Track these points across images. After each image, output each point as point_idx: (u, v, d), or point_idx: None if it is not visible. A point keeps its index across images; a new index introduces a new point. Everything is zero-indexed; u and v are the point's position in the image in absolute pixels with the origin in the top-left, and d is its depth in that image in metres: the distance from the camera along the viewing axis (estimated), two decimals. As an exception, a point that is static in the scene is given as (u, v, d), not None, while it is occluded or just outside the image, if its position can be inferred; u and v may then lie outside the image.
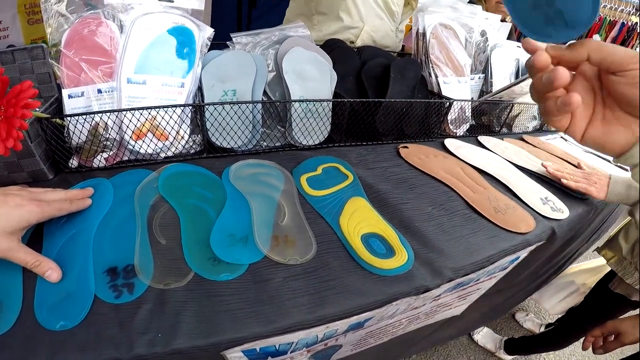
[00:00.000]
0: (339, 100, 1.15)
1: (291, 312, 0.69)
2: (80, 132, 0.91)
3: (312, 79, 1.15)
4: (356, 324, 0.81)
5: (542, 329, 2.58)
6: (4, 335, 0.59)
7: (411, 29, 1.53)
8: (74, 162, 0.94)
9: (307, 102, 1.11)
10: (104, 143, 0.95)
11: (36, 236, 0.75)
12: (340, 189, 1.01)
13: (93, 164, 0.95)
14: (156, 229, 0.81)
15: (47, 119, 0.86)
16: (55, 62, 0.93)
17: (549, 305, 2.23)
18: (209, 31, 1.07)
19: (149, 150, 0.97)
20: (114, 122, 0.94)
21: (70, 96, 0.93)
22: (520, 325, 2.67)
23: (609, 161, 1.74)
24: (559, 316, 2.28)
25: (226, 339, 0.64)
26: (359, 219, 0.92)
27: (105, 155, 0.95)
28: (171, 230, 0.81)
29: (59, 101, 0.94)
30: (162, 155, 1.02)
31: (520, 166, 1.35)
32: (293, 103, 1.10)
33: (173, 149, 1.02)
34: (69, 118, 0.90)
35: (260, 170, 1.03)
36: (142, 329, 0.61)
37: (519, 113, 1.68)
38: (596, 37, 4.36)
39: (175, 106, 0.96)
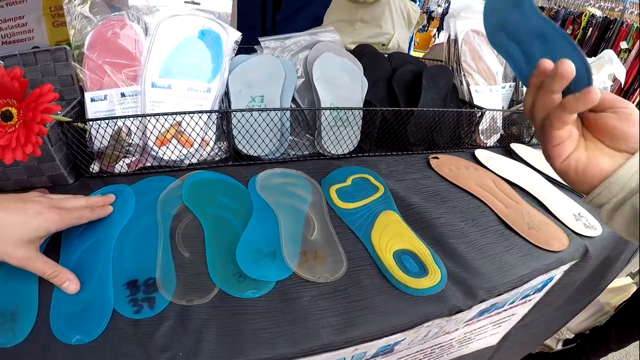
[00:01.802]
0: (371, 108, 1.11)
1: (319, 333, 0.65)
2: (103, 136, 0.89)
3: (342, 86, 1.12)
4: (386, 347, 0.78)
5: (560, 345, 2.52)
6: (18, 347, 0.57)
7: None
8: (95, 167, 0.93)
9: (338, 110, 1.07)
10: (127, 148, 0.93)
11: (54, 244, 0.73)
12: (371, 201, 0.97)
13: (115, 169, 0.93)
14: (179, 241, 0.78)
15: (68, 123, 0.85)
16: (78, 65, 0.92)
17: (572, 324, 2.19)
18: (237, 35, 1.05)
19: (173, 157, 0.95)
20: (137, 127, 0.92)
21: (93, 99, 0.92)
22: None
23: None
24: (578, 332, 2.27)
25: (251, 359, 0.60)
26: (391, 235, 0.88)
27: (127, 160, 0.94)
28: (195, 242, 0.78)
29: (82, 104, 0.93)
30: (187, 162, 0.99)
31: (552, 179, 1.30)
32: (323, 111, 1.06)
33: (198, 156, 1.00)
34: (91, 122, 0.88)
35: (288, 180, 1.00)
36: (162, 346, 0.59)
37: (549, 123, 1.63)
38: (623, 44, 4.30)
39: (201, 112, 0.93)
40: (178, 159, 0.97)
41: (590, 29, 4.81)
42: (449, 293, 0.78)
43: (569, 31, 4.21)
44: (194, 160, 1.01)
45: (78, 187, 0.89)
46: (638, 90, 4.45)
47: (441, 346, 0.99)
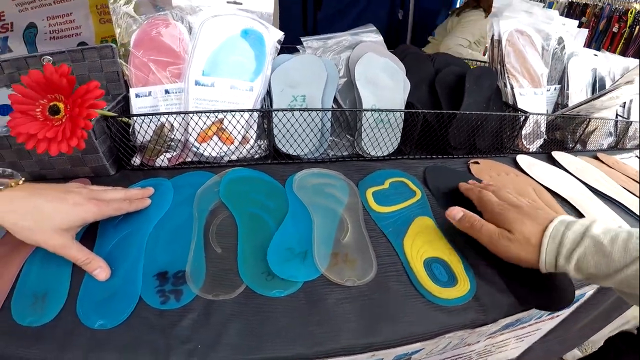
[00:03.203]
0: (413, 110, 1.10)
1: (339, 336, 0.66)
2: (146, 131, 0.92)
3: (385, 87, 1.11)
4: (403, 355, 0.77)
5: None
6: (44, 327, 0.61)
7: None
8: (136, 160, 0.95)
9: (379, 112, 1.06)
10: (169, 143, 0.95)
11: (91, 232, 0.77)
12: (406, 206, 0.96)
13: (155, 163, 0.95)
14: (212, 236, 0.80)
15: (112, 117, 0.87)
16: (124, 62, 0.95)
17: (596, 337, 2.15)
18: (279, 34, 1.06)
19: (214, 154, 0.97)
20: (180, 124, 0.94)
21: (137, 95, 0.94)
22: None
23: None
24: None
25: (266, 357, 0.62)
26: (424, 241, 0.87)
27: (168, 155, 0.95)
28: (228, 239, 0.80)
29: (127, 99, 0.96)
30: (226, 158, 1.01)
31: (594, 189, 1.27)
32: (364, 112, 1.06)
33: (237, 153, 1.01)
34: (134, 117, 0.91)
35: (325, 181, 1.00)
36: (183, 338, 0.61)
37: (595, 129, 1.59)
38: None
39: (243, 111, 0.94)
40: (218, 155, 0.98)
41: (638, 27, 4.65)
42: (476, 305, 0.77)
43: (615, 30, 4.08)
44: (234, 157, 1.02)
45: (119, 179, 0.92)
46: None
47: (460, 357, 0.98)
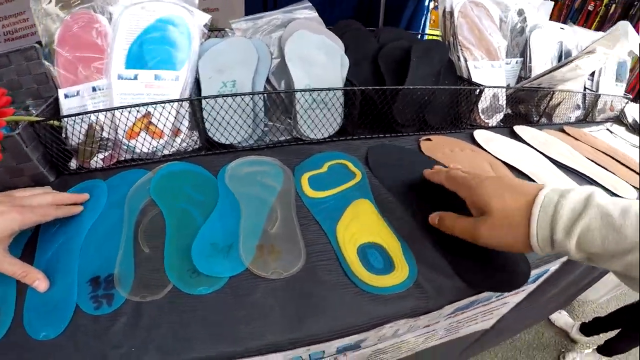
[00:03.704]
0: (348, 88, 1.03)
1: (267, 332, 0.62)
2: (79, 132, 0.87)
3: (320, 65, 1.04)
4: (348, 345, 0.73)
5: (576, 329, 2.61)
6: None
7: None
8: (72, 164, 0.91)
9: (311, 92, 0.99)
10: (100, 143, 0.90)
11: (32, 243, 0.73)
12: (343, 189, 0.90)
13: (90, 165, 0.90)
14: (141, 236, 0.76)
15: (39, 122, 0.82)
16: (50, 62, 0.91)
17: (595, 296, 2.15)
18: (205, 18, 1.00)
19: (145, 150, 0.91)
20: (111, 121, 0.89)
21: (66, 96, 0.90)
22: (552, 324, 2.70)
23: None
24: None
25: (197, 357, 0.59)
26: (360, 226, 0.81)
27: (101, 155, 0.91)
28: (157, 238, 0.75)
29: (57, 101, 0.91)
30: (159, 153, 0.95)
31: (559, 162, 1.20)
32: (297, 93, 0.98)
33: (169, 147, 0.96)
34: (65, 119, 0.86)
35: (258, 169, 0.94)
36: (116, 342, 0.59)
37: (560, 101, 1.53)
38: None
39: (165, 102, 0.88)
40: (150, 151, 0.93)
41: (614, 5, 4.61)
42: (417, 292, 0.72)
43: (590, 8, 4.03)
44: (167, 152, 0.96)
45: (59, 185, 0.87)
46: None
47: (424, 335, 0.93)
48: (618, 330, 2.28)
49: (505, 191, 0.64)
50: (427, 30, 3.02)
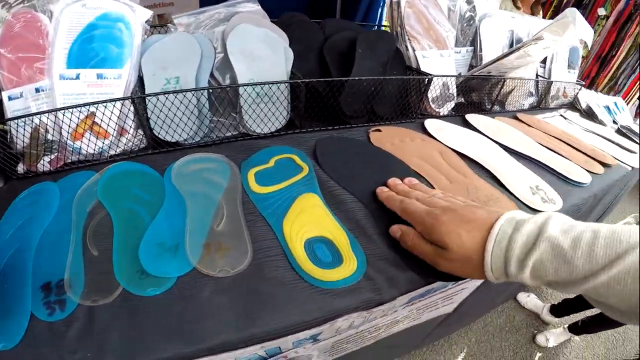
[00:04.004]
0: (290, 81, 1.02)
1: (218, 331, 0.62)
2: (24, 135, 0.85)
3: (263, 59, 1.02)
4: (304, 340, 0.73)
5: (547, 310, 2.67)
6: None
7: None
8: (20, 168, 0.88)
9: (255, 86, 0.98)
10: (46, 146, 0.88)
11: None
12: (290, 184, 0.89)
13: (38, 168, 0.88)
14: (90, 239, 0.73)
15: None
16: None
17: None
18: (147, 14, 0.98)
19: (91, 150, 0.89)
20: (55, 123, 0.87)
21: (10, 98, 0.88)
22: (523, 307, 2.76)
23: (620, 146, 1.60)
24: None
25: (153, 359, 0.58)
26: (306, 220, 0.80)
27: (47, 159, 0.88)
28: (105, 240, 0.74)
29: (2, 103, 0.89)
30: (106, 154, 0.93)
31: (511, 149, 1.21)
32: (240, 88, 0.97)
33: (115, 147, 0.94)
34: (9, 122, 0.84)
35: (205, 166, 0.92)
36: (71, 349, 0.57)
37: (512, 89, 1.54)
38: (601, 10, 4.21)
39: (107, 101, 0.86)
40: (96, 151, 0.90)
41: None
42: (368, 284, 0.72)
43: (545, -3, 4.11)
44: (113, 152, 0.94)
45: (8, 190, 0.85)
46: (616, 56, 4.38)
47: (385, 325, 0.92)
48: (594, 314, 2.33)
49: (461, 228, 0.65)
50: (384, 23, 3.01)
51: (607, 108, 2.05)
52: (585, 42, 1.94)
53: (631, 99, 4.36)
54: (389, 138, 1.11)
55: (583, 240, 0.53)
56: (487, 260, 0.60)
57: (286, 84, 1.02)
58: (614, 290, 0.50)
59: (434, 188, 0.96)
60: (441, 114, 1.36)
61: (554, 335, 2.52)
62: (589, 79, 4.58)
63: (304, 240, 0.76)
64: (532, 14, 2.49)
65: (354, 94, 1.10)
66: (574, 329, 2.48)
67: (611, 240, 0.52)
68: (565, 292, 0.57)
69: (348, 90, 1.08)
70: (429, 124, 1.24)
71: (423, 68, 1.27)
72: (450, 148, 1.13)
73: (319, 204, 0.85)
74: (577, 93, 1.98)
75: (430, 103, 1.30)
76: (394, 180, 0.89)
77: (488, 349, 2.42)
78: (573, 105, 2.02)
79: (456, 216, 0.67)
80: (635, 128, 1.93)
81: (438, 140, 1.16)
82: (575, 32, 1.31)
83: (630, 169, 1.41)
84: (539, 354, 2.48)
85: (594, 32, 4.23)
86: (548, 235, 0.56)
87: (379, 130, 1.14)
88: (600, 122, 1.90)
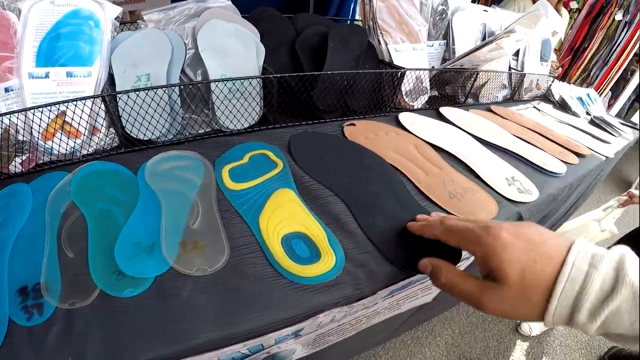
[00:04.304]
0: (261, 76, 1.01)
1: (199, 331, 0.60)
2: None
3: (234, 55, 1.02)
4: (287, 336, 0.71)
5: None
6: None
7: None
8: None
9: (226, 82, 0.97)
10: (17, 147, 0.86)
11: None
12: (265, 180, 0.88)
13: (10, 170, 0.86)
14: (65, 240, 0.71)
15: None
16: None
17: None
18: (116, 11, 0.96)
19: (62, 150, 0.87)
20: (25, 123, 0.85)
21: None
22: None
23: (594, 137, 1.62)
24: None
25: None
26: (283, 216, 0.79)
27: (18, 160, 0.86)
28: (80, 241, 0.72)
29: None
30: (78, 154, 0.92)
31: (486, 141, 1.21)
32: (212, 84, 0.96)
33: (87, 147, 0.92)
34: None
35: (179, 164, 0.91)
36: (52, 353, 0.56)
37: (485, 82, 1.55)
38: (573, 3, 4.26)
39: (77, 100, 0.84)
40: (68, 151, 0.89)
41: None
42: (348, 279, 0.71)
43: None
44: (85, 152, 0.92)
45: None
46: (588, 48, 4.44)
47: (366, 316, 0.91)
48: None
49: (525, 253, 0.51)
50: (357, 17, 3.01)
51: (580, 99, 2.07)
52: (557, 33, 1.96)
53: (604, 91, 4.42)
54: (363, 132, 1.11)
55: None
56: (552, 304, 0.47)
57: (258, 80, 1.01)
58: None
59: (410, 182, 0.96)
60: (415, 107, 1.36)
61: (537, 323, 2.53)
62: (562, 71, 4.64)
63: (281, 236, 0.75)
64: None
65: (326, 88, 1.09)
66: None
67: None
68: (629, 346, 0.48)
69: (321, 84, 1.08)
70: (403, 117, 1.24)
71: (396, 62, 1.28)
72: (425, 141, 1.13)
73: (294, 199, 0.84)
74: (550, 85, 2.00)
75: (404, 97, 1.31)
76: (422, 216, 0.78)
77: (472, 339, 2.43)
78: (546, 97, 2.04)
79: (520, 234, 0.54)
80: (608, 119, 1.96)
81: (412, 134, 1.16)
82: (548, 24, 1.32)
83: (604, 158, 1.43)
84: (523, 343, 2.50)
85: (567, 25, 4.28)
86: (630, 279, 0.44)
87: (353, 125, 1.14)
88: (574, 114, 1.92)
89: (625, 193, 2.09)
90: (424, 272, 0.65)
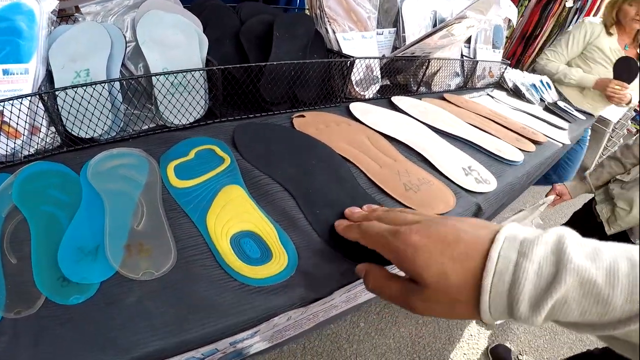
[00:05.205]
0: (204, 68, 0.99)
1: (148, 339, 0.57)
2: None
3: (176, 46, 0.98)
4: (241, 339, 0.68)
5: None
6: None
7: None
8: None
9: (168, 75, 0.94)
10: None
11: None
12: (212, 176, 0.85)
13: None
14: (7, 246, 0.68)
15: None
16: None
17: None
18: (53, 4, 0.93)
19: (2, 152, 0.84)
20: None
21: None
22: None
23: (554, 125, 1.63)
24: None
25: None
26: (231, 214, 0.77)
27: None
28: (23, 246, 0.68)
29: None
30: (20, 155, 0.88)
31: (441, 130, 1.20)
32: (153, 78, 0.93)
33: (28, 147, 0.88)
34: None
35: (122, 162, 0.87)
36: None
37: (438, 70, 1.55)
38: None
39: (13, 98, 0.80)
40: (9, 152, 0.85)
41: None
42: (302, 279, 0.69)
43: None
44: (26, 152, 0.89)
45: None
46: (539, 37, 4.51)
47: (323, 310, 0.88)
48: None
49: (439, 254, 0.48)
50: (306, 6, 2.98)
51: (534, 86, 2.09)
52: (510, 21, 1.97)
53: (557, 77, 4.50)
54: (314, 123, 1.09)
55: (620, 272, 0.39)
56: (483, 300, 0.44)
57: (202, 72, 0.99)
58: None
59: (363, 174, 0.94)
60: (366, 97, 1.35)
61: None
62: (515, 58, 4.70)
63: (230, 236, 0.73)
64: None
65: (273, 79, 1.07)
66: None
67: None
68: (586, 334, 0.47)
69: (267, 75, 1.06)
70: (354, 107, 1.22)
71: (345, 50, 1.26)
72: (377, 131, 1.12)
73: (242, 195, 0.82)
74: (503, 72, 2.01)
75: (355, 86, 1.29)
76: (350, 210, 0.74)
77: (436, 329, 2.47)
78: (500, 84, 2.05)
79: (432, 235, 0.51)
80: (562, 105, 1.98)
81: (365, 124, 1.15)
82: (499, 10, 1.32)
83: (560, 145, 1.44)
84: (487, 331, 2.54)
85: (517, 12, 4.33)
86: (574, 265, 0.40)
87: (303, 116, 1.12)
88: (528, 101, 1.94)
89: (550, 191, 2.09)
90: (360, 277, 0.63)
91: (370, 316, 2.43)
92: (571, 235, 0.44)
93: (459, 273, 0.46)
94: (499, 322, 0.50)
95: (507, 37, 2.61)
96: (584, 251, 0.42)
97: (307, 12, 1.41)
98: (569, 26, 4.31)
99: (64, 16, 1.08)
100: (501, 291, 0.43)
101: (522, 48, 4.69)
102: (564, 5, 4.29)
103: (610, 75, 2.43)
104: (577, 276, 0.40)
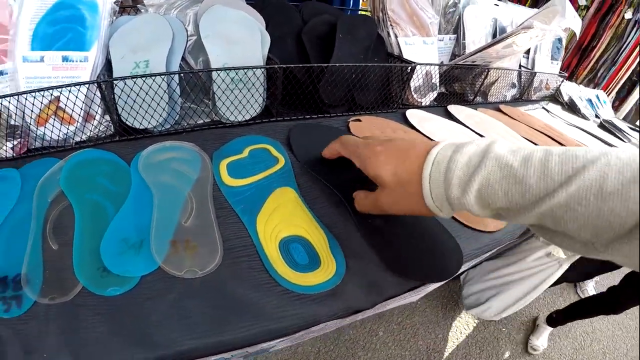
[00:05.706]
0: (266, 66, 0.97)
1: (184, 338, 0.56)
2: None
3: (238, 43, 0.97)
4: (269, 346, 0.68)
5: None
6: None
7: None
8: None
9: (229, 71, 0.92)
10: (8, 131, 0.83)
11: None
12: (265, 177, 0.84)
13: (0, 154, 0.83)
14: (50, 231, 0.68)
15: None
16: None
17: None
18: None
19: (55, 137, 0.84)
20: (17, 107, 0.81)
21: None
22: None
23: (601, 139, 1.58)
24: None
25: None
26: (282, 217, 0.75)
27: (9, 145, 0.83)
28: (67, 233, 0.68)
29: None
30: (72, 140, 0.88)
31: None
32: (215, 73, 0.92)
33: (81, 134, 0.88)
34: None
35: (175, 155, 0.86)
36: (29, 347, 0.53)
37: (495, 80, 1.51)
38: (581, 0, 4.21)
39: (72, 85, 0.80)
40: (61, 138, 0.85)
41: (548, -17, 4.69)
42: (348, 289, 0.67)
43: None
44: (79, 139, 0.89)
45: None
46: (596, 48, 4.39)
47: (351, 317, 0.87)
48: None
49: (394, 158, 0.62)
50: (362, 7, 2.95)
51: (590, 101, 2.03)
52: (573, 31, 1.92)
53: (611, 92, 4.38)
54: (370, 128, 1.07)
55: (535, 158, 0.48)
56: (425, 186, 0.57)
57: (262, 70, 0.97)
58: (575, 213, 0.44)
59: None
60: (423, 104, 1.32)
61: (541, 340, 2.51)
62: (569, 71, 4.60)
63: (279, 240, 0.71)
64: None
65: (334, 81, 1.05)
66: (550, 321, 2.50)
67: (566, 157, 0.46)
68: (520, 220, 0.52)
69: (328, 77, 1.04)
70: (411, 114, 1.19)
71: (406, 55, 1.23)
72: (433, 141, 1.08)
73: (295, 199, 0.80)
74: (560, 85, 1.96)
75: (413, 93, 1.27)
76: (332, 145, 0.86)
77: (454, 346, 2.43)
78: (555, 97, 2.00)
79: (392, 146, 0.64)
80: (617, 123, 1.92)
81: (421, 132, 1.12)
82: (563, 21, 1.28)
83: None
84: (504, 346, 2.50)
85: (575, 23, 4.24)
86: (495, 154, 0.51)
87: (359, 120, 1.10)
88: (583, 116, 1.89)
89: None
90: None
91: (391, 325, 2.41)
92: (502, 140, 0.54)
93: (408, 170, 0.59)
94: (445, 214, 0.56)
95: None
96: (508, 147, 0.52)
97: (365, 13, 1.39)
98: (627, 39, 4.19)
99: (127, 7, 1.07)
100: (438, 178, 0.55)
101: (577, 60, 4.58)
102: (623, 16, 4.18)
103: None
104: (496, 161, 0.50)
